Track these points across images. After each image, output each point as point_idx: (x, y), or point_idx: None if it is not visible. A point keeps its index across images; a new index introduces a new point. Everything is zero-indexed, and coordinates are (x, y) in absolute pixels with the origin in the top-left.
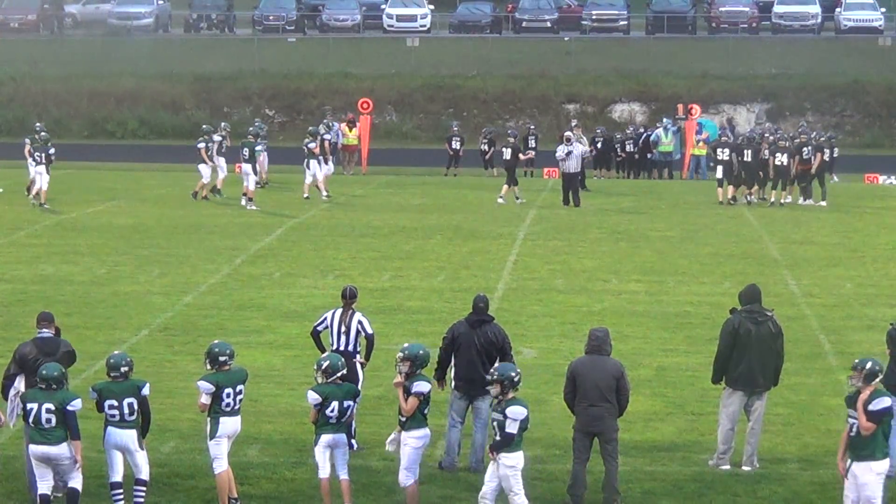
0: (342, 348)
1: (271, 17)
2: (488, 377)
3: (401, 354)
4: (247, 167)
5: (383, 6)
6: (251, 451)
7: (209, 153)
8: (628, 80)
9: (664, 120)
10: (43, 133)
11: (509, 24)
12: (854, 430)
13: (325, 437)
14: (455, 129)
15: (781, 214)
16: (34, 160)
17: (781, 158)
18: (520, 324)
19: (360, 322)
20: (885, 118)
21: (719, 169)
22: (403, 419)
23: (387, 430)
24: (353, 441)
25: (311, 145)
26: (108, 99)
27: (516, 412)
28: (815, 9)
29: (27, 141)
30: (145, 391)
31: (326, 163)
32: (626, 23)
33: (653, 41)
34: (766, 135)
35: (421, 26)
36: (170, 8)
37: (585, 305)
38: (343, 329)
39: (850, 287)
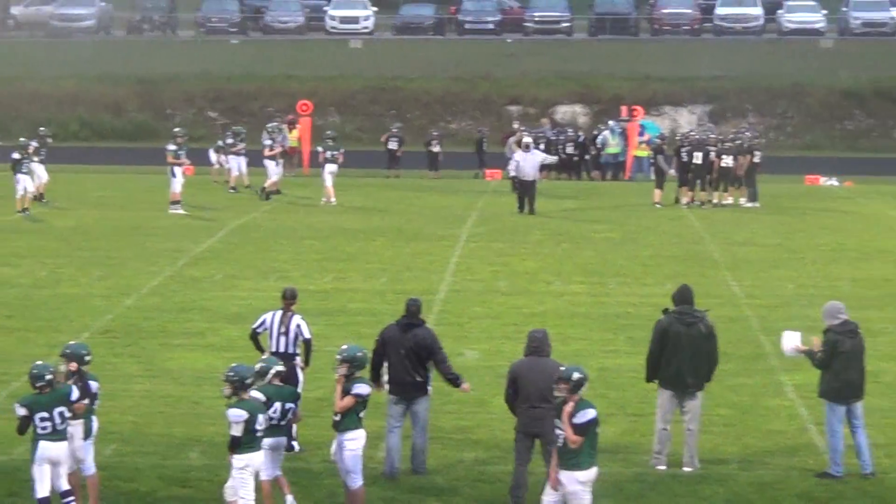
0: (281, 350)
1: (214, 19)
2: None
3: (339, 357)
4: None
5: (326, 8)
6: (192, 454)
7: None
8: (571, 82)
9: (610, 122)
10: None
11: (452, 25)
12: (561, 440)
13: (269, 441)
14: (395, 129)
15: (723, 216)
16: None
17: (727, 160)
18: (462, 326)
19: (298, 325)
20: (826, 120)
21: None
22: (337, 418)
23: (328, 432)
24: (295, 443)
25: (267, 143)
26: (50, 101)
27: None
28: (757, 11)
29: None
30: (74, 396)
31: (277, 165)
32: (568, 24)
33: (595, 43)
34: (711, 136)
35: (364, 28)
36: (112, 9)
37: (527, 307)
38: (282, 331)
39: (791, 288)
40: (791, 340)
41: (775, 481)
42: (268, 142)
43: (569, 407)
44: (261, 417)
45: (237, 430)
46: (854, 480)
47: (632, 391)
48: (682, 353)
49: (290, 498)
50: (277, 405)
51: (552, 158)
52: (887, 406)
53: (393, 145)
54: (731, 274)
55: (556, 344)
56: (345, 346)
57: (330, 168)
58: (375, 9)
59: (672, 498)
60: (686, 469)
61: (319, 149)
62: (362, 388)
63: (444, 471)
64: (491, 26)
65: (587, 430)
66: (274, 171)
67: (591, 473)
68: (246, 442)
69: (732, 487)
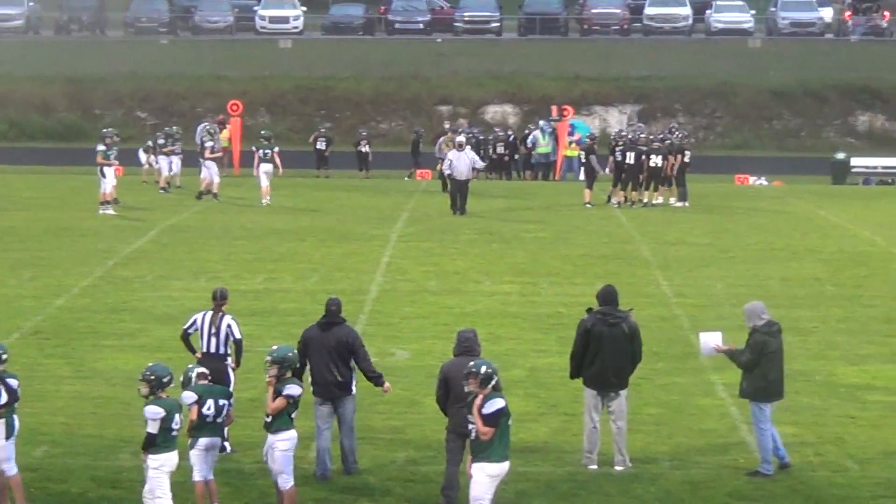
0: (212, 351)
1: (143, 19)
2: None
3: (269, 358)
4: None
5: (256, 8)
6: (123, 455)
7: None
8: (501, 82)
9: (540, 122)
10: None
11: (382, 25)
12: (474, 434)
13: (204, 440)
14: (323, 129)
15: (653, 216)
16: None
17: (656, 160)
18: (393, 325)
19: (229, 326)
20: (754, 119)
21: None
22: (269, 419)
23: (260, 433)
24: (227, 444)
25: (209, 144)
26: None
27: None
28: (686, 11)
29: None
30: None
31: (206, 166)
32: (498, 24)
33: (525, 43)
34: (642, 135)
35: (293, 28)
36: (40, 9)
37: (458, 307)
38: (213, 331)
39: (721, 287)
40: (710, 340)
41: (706, 480)
42: (210, 143)
43: (478, 400)
44: (177, 417)
45: (153, 427)
46: (785, 479)
47: (563, 390)
48: (604, 353)
49: None
50: (210, 402)
51: (481, 164)
52: (818, 405)
53: (321, 145)
54: (662, 273)
55: (487, 344)
56: (275, 347)
57: (265, 168)
58: (305, 8)
59: (604, 497)
60: (617, 468)
61: (255, 149)
62: (293, 389)
63: (375, 471)
64: (421, 26)
65: (497, 420)
66: (215, 171)
67: (502, 467)
68: (161, 441)
69: (664, 486)
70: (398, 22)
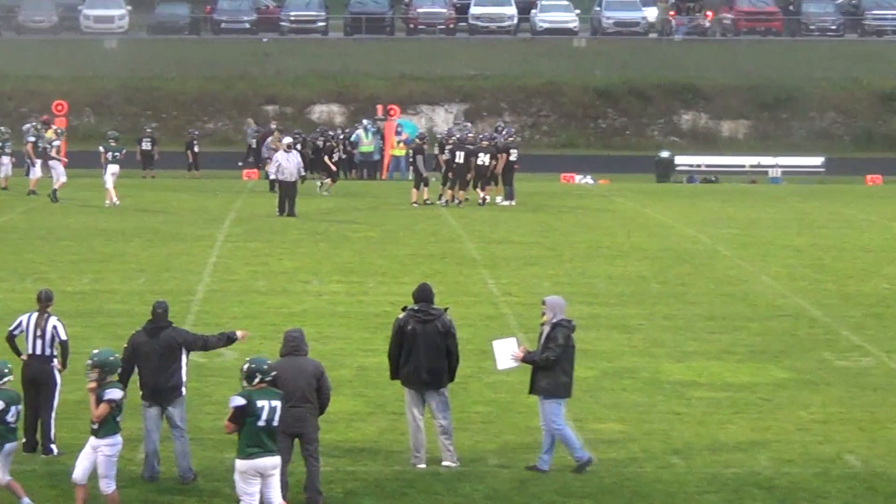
0: (38, 352)
1: None
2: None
3: (90, 362)
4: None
5: (80, 7)
6: None
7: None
8: (327, 81)
9: (364, 121)
10: None
11: (207, 25)
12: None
13: (9, 446)
14: (149, 130)
15: (480, 214)
16: None
17: (484, 158)
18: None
19: (55, 327)
20: (580, 118)
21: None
22: (95, 426)
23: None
24: (53, 446)
25: (55, 143)
26: None
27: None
28: (511, 10)
29: None
30: None
31: (34, 166)
32: (324, 24)
33: (351, 42)
34: (470, 135)
35: (118, 28)
36: None
37: (286, 307)
38: (38, 333)
39: (548, 286)
40: (506, 349)
41: (534, 477)
42: (57, 142)
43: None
44: (13, 409)
45: None
46: (610, 476)
47: (391, 390)
48: (418, 350)
49: (26, 500)
50: (13, 409)
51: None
52: (644, 401)
53: (147, 146)
54: (489, 272)
55: (316, 343)
56: (95, 351)
57: (112, 169)
58: (130, 8)
59: (432, 496)
60: (445, 465)
61: (102, 149)
62: (114, 393)
63: (204, 472)
64: (246, 25)
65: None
66: (61, 171)
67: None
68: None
69: (492, 484)
70: (224, 21)
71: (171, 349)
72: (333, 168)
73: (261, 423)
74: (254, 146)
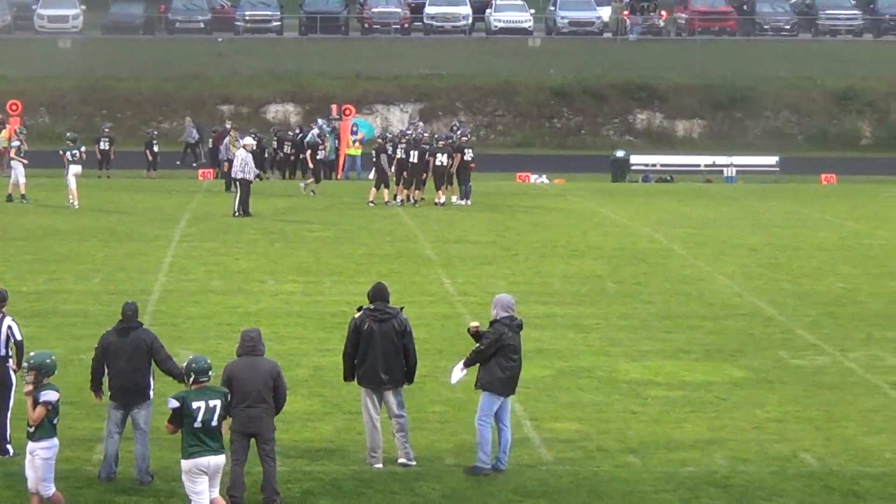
0: None
1: None
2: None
3: (26, 365)
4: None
5: (34, 7)
6: None
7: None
8: (282, 81)
9: (319, 121)
10: None
11: (162, 24)
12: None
13: None
14: (106, 129)
15: (435, 214)
16: None
17: (442, 158)
18: (177, 326)
19: (9, 327)
20: (535, 118)
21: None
22: (31, 429)
23: None
24: (9, 447)
25: (14, 143)
26: None
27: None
28: (466, 10)
29: None
30: None
31: None
32: (279, 23)
33: (306, 42)
34: (425, 134)
35: (73, 27)
36: None
37: (242, 306)
38: None
39: (504, 285)
40: (456, 371)
41: (491, 476)
42: (16, 143)
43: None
44: None
45: None
46: (566, 474)
47: (347, 389)
48: (375, 349)
49: None
50: None
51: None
52: (601, 400)
53: (104, 145)
54: (445, 271)
55: (272, 343)
56: (32, 354)
57: (74, 169)
58: (84, 7)
59: (389, 495)
60: (401, 463)
61: (61, 151)
62: (50, 395)
63: (161, 472)
64: (201, 25)
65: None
66: (21, 172)
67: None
68: None
69: (449, 483)
70: (179, 21)
71: (140, 350)
72: (311, 166)
73: (197, 424)
74: (198, 146)
